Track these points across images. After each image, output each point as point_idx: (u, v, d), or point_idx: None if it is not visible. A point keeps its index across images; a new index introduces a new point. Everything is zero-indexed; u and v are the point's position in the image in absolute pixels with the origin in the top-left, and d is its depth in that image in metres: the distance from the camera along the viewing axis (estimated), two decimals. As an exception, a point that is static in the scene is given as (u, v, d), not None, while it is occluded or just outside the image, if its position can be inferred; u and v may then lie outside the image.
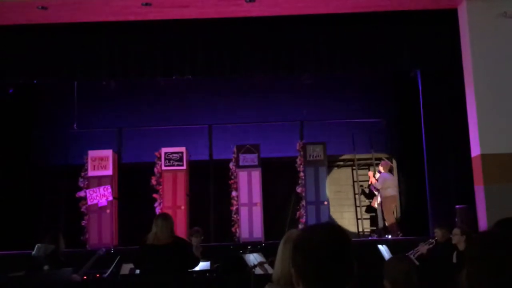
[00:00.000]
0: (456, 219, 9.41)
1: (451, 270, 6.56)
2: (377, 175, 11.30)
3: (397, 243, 9.48)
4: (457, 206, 9.62)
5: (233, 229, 11.44)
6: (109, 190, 11.13)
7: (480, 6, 9.20)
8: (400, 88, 11.78)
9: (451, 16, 9.64)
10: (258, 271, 5.73)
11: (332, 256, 1.67)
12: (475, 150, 9.14)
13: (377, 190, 11.17)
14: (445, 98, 10.43)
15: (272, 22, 9.90)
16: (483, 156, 8.91)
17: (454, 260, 7.12)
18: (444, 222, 8.72)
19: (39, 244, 6.96)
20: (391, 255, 7.03)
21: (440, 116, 10.43)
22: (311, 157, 11.64)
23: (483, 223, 8.70)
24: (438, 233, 7.94)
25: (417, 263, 6.84)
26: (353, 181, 12.53)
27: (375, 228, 11.58)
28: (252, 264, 6.12)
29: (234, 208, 11.55)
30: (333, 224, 1.77)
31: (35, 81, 10.22)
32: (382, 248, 7.81)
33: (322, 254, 1.67)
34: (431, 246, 7.92)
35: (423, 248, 7.90)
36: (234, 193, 11.65)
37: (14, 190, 11.72)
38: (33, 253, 6.84)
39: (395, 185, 11.18)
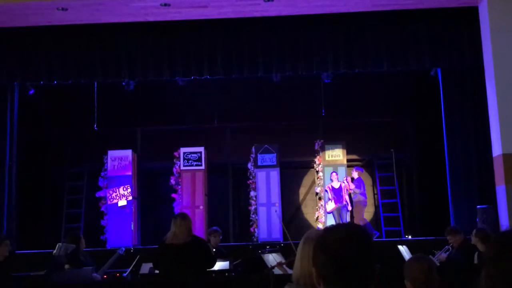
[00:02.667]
0: (478, 220, 9.30)
1: (471, 271, 6.48)
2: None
3: (417, 244, 9.41)
4: (478, 207, 9.51)
5: (251, 229, 11.45)
6: (129, 190, 11.21)
7: (500, 3, 9.07)
8: (421, 87, 11.67)
9: (471, 13, 9.53)
10: (277, 271, 5.72)
11: (354, 256, 1.66)
12: (497, 150, 9.02)
13: (349, 195, 11.17)
14: (466, 97, 10.32)
15: (290, 21, 9.88)
16: (505, 156, 8.78)
17: (476, 261, 7.04)
18: (464, 223, 8.65)
19: (60, 244, 7.03)
20: (411, 255, 6.97)
21: (461, 115, 10.33)
22: (330, 157, 11.60)
23: (504, 223, 8.59)
24: (450, 239, 7.85)
25: (437, 263, 6.77)
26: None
27: None
28: (271, 265, 6.11)
29: (252, 208, 11.55)
30: (355, 224, 1.76)
31: (55, 82, 10.32)
32: (402, 249, 7.76)
33: (344, 254, 1.66)
34: (448, 252, 7.82)
35: (441, 256, 7.80)
36: (252, 193, 11.67)
37: (35, 190, 11.86)
38: (54, 252, 6.90)
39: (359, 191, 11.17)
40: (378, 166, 12.24)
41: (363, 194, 11.00)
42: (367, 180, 12.23)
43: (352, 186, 10.94)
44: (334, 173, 11.26)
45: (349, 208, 11.07)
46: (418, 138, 12.25)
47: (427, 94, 11.52)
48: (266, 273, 6.01)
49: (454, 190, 10.23)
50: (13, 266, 7.13)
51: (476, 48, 9.60)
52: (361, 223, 10.73)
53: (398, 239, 10.82)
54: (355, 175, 11.06)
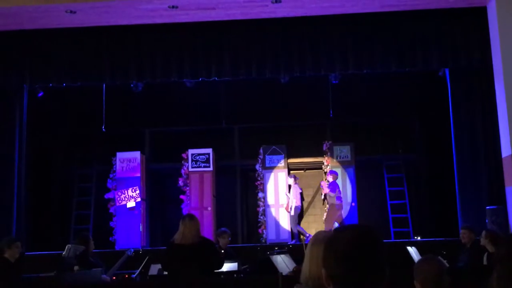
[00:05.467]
0: (487, 221, 9.26)
1: (481, 272, 6.45)
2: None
3: (426, 245, 9.38)
4: (487, 207, 9.46)
5: (259, 230, 11.45)
6: (137, 191, 11.24)
7: (509, 3, 9.04)
8: (429, 88, 11.63)
9: (480, 13, 9.49)
10: (282, 267, 5.72)
11: (364, 257, 1.66)
12: (506, 150, 8.98)
13: (326, 197, 11.22)
14: (475, 97, 10.27)
15: (297, 22, 9.88)
16: (514, 157, 8.75)
17: (485, 262, 7.01)
18: (472, 224, 8.61)
19: (69, 245, 7.06)
20: (420, 257, 6.95)
21: (469, 116, 10.27)
22: (338, 158, 11.58)
23: (514, 224, 8.55)
24: (464, 233, 7.84)
25: (447, 264, 6.74)
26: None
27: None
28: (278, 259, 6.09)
29: (260, 209, 11.56)
30: (365, 225, 1.76)
31: (64, 85, 10.38)
32: (411, 250, 7.73)
33: (354, 255, 1.66)
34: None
35: None
36: (260, 194, 11.67)
37: (44, 192, 11.92)
38: (63, 253, 6.93)
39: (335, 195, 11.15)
40: (387, 167, 12.20)
41: (339, 198, 11.01)
42: (377, 181, 12.20)
43: (327, 190, 10.93)
44: (291, 178, 11.44)
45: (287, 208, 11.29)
46: (427, 139, 12.20)
47: (435, 94, 11.48)
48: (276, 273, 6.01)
49: (463, 191, 10.17)
50: (23, 267, 7.17)
51: (484, 48, 9.56)
52: (335, 224, 10.83)
53: (407, 240, 10.79)
54: (330, 178, 11.06)
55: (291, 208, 11.28)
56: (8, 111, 10.47)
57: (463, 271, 6.79)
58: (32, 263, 8.41)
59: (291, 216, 11.31)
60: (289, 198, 11.37)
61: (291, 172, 11.80)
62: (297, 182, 11.50)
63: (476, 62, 9.84)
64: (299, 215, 11.72)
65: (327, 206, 11.11)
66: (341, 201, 11.03)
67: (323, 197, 11.66)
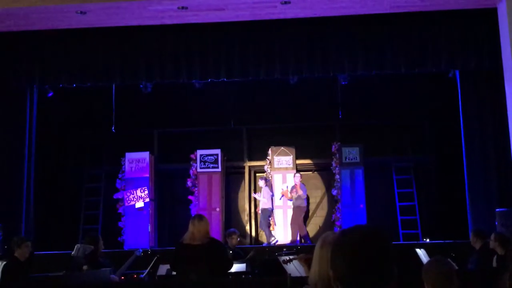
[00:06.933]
0: (496, 223, 9.20)
1: (491, 275, 6.42)
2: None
3: (435, 247, 9.33)
4: (497, 210, 9.40)
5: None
6: (146, 191, 11.27)
7: (521, 4, 8.97)
8: (439, 89, 11.58)
9: (490, 15, 9.44)
10: (294, 273, 5.70)
11: (371, 258, 1.65)
12: (516, 152, 8.91)
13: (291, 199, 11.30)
14: (485, 98, 10.21)
15: (306, 23, 9.86)
16: (525, 159, 8.69)
17: (494, 264, 6.97)
18: (481, 227, 8.55)
19: (78, 245, 7.08)
20: (429, 259, 6.92)
21: (479, 118, 10.21)
22: (347, 160, 11.56)
23: (524, 227, 8.48)
24: (472, 238, 7.81)
25: (456, 266, 6.71)
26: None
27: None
28: (289, 258, 6.07)
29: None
30: (373, 227, 1.75)
31: (74, 85, 10.43)
32: (420, 252, 7.69)
33: (361, 256, 1.65)
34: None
35: None
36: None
37: (53, 191, 11.98)
38: (72, 253, 6.96)
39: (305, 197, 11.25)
40: (396, 168, 12.16)
41: (305, 200, 11.19)
42: (386, 182, 12.16)
43: (300, 192, 10.97)
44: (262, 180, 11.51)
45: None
46: (436, 140, 12.15)
47: (445, 96, 11.42)
48: (284, 263, 5.98)
49: (473, 193, 10.12)
50: (33, 266, 7.21)
51: (494, 49, 9.50)
52: (301, 228, 10.95)
53: (416, 242, 10.74)
54: (297, 180, 11.11)
55: (261, 210, 11.32)
56: (18, 111, 10.52)
57: (472, 274, 6.75)
58: (41, 263, 8.45)
59: (261, 217, 11.36)
60: (258, 199, 11.46)
61: (299, 172, 11.78)
62: (267, 184, 11.49)
63: (486, 64, 9.78)
64: (306, 215, 11.72)
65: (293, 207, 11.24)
66: (306, 204, 11.26)
67: (281, 197, 11.65)
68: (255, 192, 11.86)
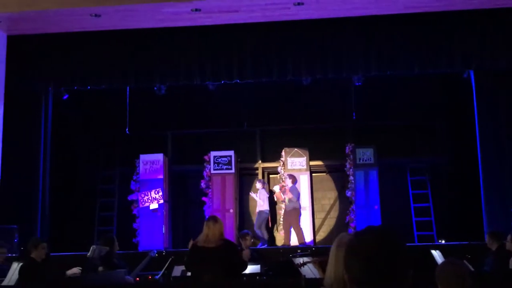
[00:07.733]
0: (512, 224, 9.12)
1: (507, 277, 6.36)
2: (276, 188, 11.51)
3: (451, 248, 9.26)
4: (512, 210, 9.33)
5: (281, 232, 11.42)
6: (160, 193, 11.32)
7: (536, 3, 8.90)
8: (453, 90, 11.50)
9: (506, 15, 9.36)
10: (309, 275, 5.70)
11: (386, 260, 1.65)
12: (532, 152, 8.83)
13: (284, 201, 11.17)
14: (500, 99, 10.13)
15: (319, 24, 9.85)
16: (541, 159, 8.60)
17: (511, 266, 6.91)
18: (497, 229, 8.47)
19: (93, 246, 7.13)
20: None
21: (494, 118, 10.13)
22: (361, 161, 11.51)
23: (540, 227, 8.40)
24: (488, 240, 7.74)
25: (471, 268, 6.66)
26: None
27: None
28: (303, 261, 6.07)
29: (282, 211, 11.53)
30: (387, 228, 1.74)
31: (88, 87, 10.51)
32: (436, 254, 7.65)
33: (375, 257, 1.65)
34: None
35: None
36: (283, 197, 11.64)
37: (68, 193, 12.06)
38: (88, 254, 7.01)
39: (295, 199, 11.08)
40: (410, 169, 12.08)
41: (298, 201, 11.08)
42: (400, 183, 12.09)
43: (290, 195, 10.86)
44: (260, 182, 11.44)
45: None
46: (451, 141, 12.05)
47: (460, 96, 11.34)
48: (298, 266, 5.98)
49: (488, 194, 10.03)
50: (49, 268, 7.26)
51: (509, 49, 9.42)
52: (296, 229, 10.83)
53: (431, 243, 10.66)
54: (289, 183, 11.02)
55: (258, 212, 11.29)
56: (34, 114, 10.62)
57: (488, 275, 6.70)
58: (57, 264, 8.51)
59: (256, 218, 11.32)
60: (256, 200, 11.40)
61: (313, 174, 11.76)
62: (264, 187, 11.46)
63: (501, 64, 9.71)
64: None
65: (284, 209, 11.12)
66: (300, 206, 11.07)
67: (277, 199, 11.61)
68: (252, 192, 11.74)
